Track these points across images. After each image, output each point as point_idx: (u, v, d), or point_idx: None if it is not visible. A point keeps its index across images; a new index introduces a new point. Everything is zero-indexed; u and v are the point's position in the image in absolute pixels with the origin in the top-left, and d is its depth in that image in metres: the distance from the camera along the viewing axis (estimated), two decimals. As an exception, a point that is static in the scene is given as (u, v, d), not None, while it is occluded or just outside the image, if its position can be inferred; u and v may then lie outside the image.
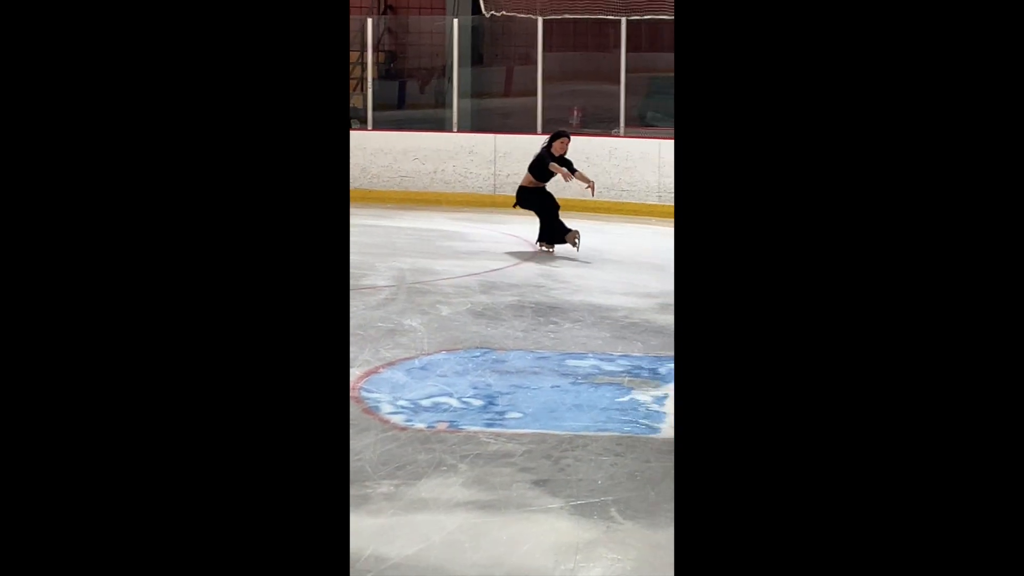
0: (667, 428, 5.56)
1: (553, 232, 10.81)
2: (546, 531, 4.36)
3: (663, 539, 4.19)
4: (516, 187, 14.31)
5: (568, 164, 10.80)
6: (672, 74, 15.28)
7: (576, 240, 10.51)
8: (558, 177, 11.06)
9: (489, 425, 5.63)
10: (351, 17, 14.73)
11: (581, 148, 13.78)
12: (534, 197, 10.92)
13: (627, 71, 14.16)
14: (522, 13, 14.45)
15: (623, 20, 14.11)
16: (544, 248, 10.88)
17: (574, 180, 10.84)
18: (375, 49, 15.01)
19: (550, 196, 10.92)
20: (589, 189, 10.90)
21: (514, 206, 11.14)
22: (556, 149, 10.68)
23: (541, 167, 10.76)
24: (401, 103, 15.65)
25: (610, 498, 4.64)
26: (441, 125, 14.98)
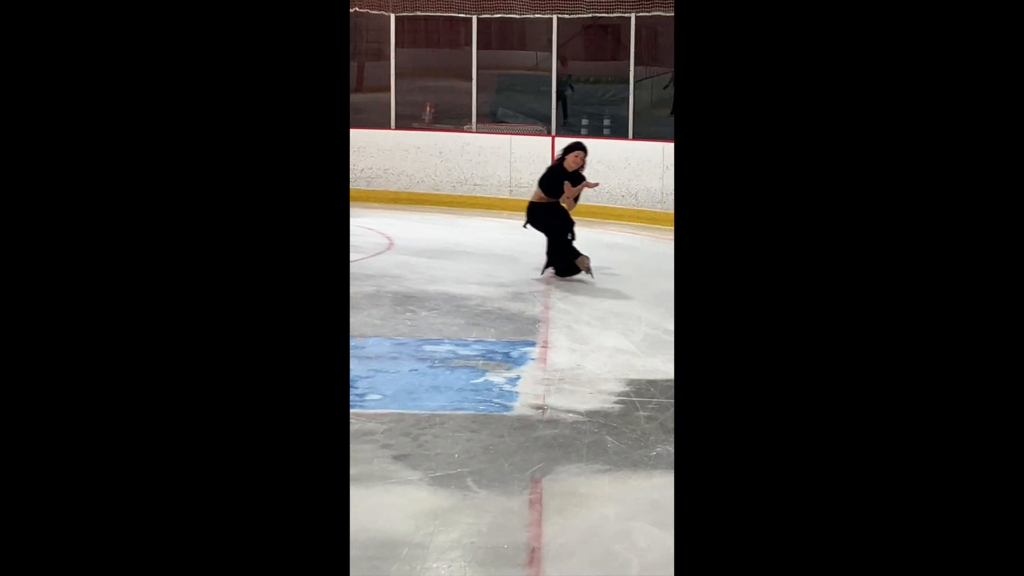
0: (518, 406, 5.76)
1: (561, 258, 9.29)
2: (407, 501, 4.50)
3: (516, 505, 4.47)
4: (370, 180, 14.49)
5: (580, 180, 9.31)
6: (522, 71, 15.66)
7: (588, 265, 9.11)
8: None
9: (352, 406, 5.61)
10: None
11: (434, 143, 14.05)
12: (543, 214, 9.32)
13: (478, 68, 14.29)
14: (375, 10, 14.56)
15: (474, 18, 14.29)
16: (553, 275, 9.35)
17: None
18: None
19: (562, 213, 9.34)
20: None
21: (524, 225, 9.48)
22: (569, 164, 9.21)
23: (551, 183, 9.24)
24: None
25: (466, 470, 4.80)
26: None
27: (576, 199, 9.31)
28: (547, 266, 9.35)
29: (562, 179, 9.12)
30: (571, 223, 9.34)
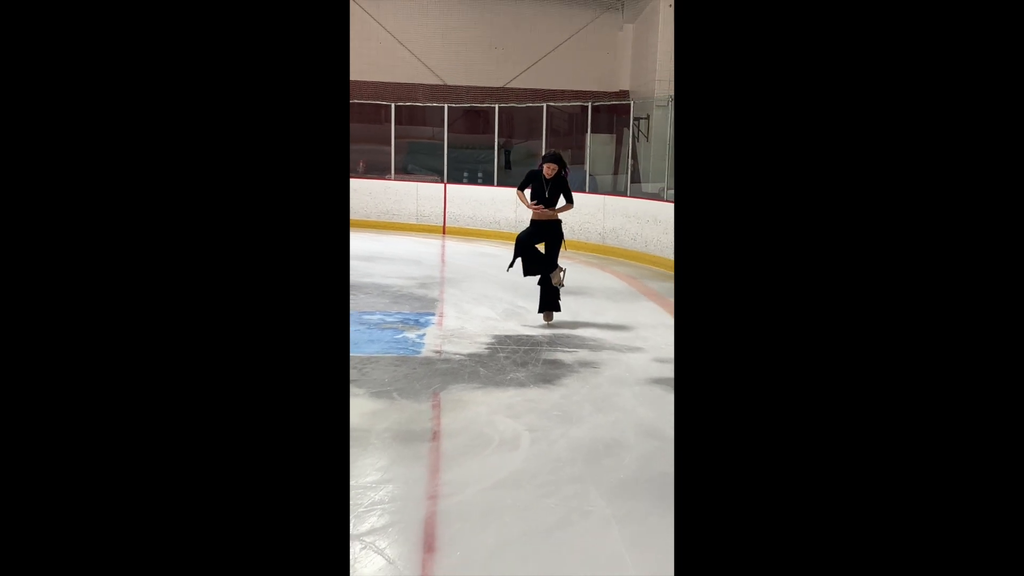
0: (424, 351, 5.72)
1: (542, 265, 6.77)
2: (355, 406, 4.45)
3: (424, 408, 4.50)
4: None
5: (558, 185, 6.69)
6: (423, 140, 15.80)
7: (560, 276, 6.75)
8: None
9: None
10: None
11: (366, 186, 14.12)
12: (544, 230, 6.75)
13: (395, 137, 14.38)
14: (326, 98, 14.63)
15: (392, 105, 14.51)
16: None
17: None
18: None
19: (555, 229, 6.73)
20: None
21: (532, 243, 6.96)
22: (545, 172, 6.65)
23: (526, 182, 6.82)
24: None
25: (392, 388, 4.86)
26: None
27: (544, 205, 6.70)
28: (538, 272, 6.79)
29: (536, 181, 6.68)
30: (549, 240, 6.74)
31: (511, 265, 6.97)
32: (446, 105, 14.29)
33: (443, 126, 14.29)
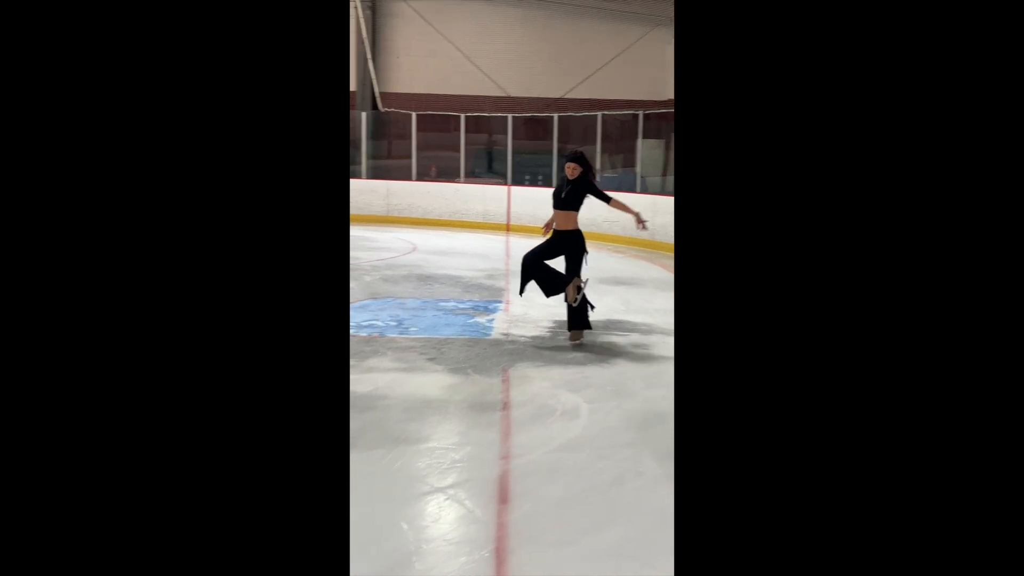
0: (494, 334, 5.77)
1: (556, 280, 5.52)
2: (435, 380, 4.60)
3: (495, 382, 4.59)
4: (400, 211, 14.47)
5: (582, 187, 5.42)
6: (488, 147, 15.95)
7: (578, 290, 5.42)
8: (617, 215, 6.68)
9: (400, 334, 5.77)
10: None
11: (438, 190, 14.28)
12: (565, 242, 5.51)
13: (464, 144, 14.48)
14: (403, 110, 14.85)
15: (461, 116, 14.68)
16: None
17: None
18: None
19: (556, 241, 5.51)
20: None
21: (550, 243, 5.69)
22: (568, 172, 5.45)
23: (560, 196, 5.48)
24: None
25: (467, 365, 4.95)
26: (353, 174, 14.86)
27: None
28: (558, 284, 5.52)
29: (564, 188, 5.44)
30: (572, 251, 5.48)
31: (521, 291, 5.62)
32: (509, 115, 14.41)
33: (507, 134, 14.36)
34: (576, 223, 5.52)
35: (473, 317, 6.47)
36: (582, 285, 5.47)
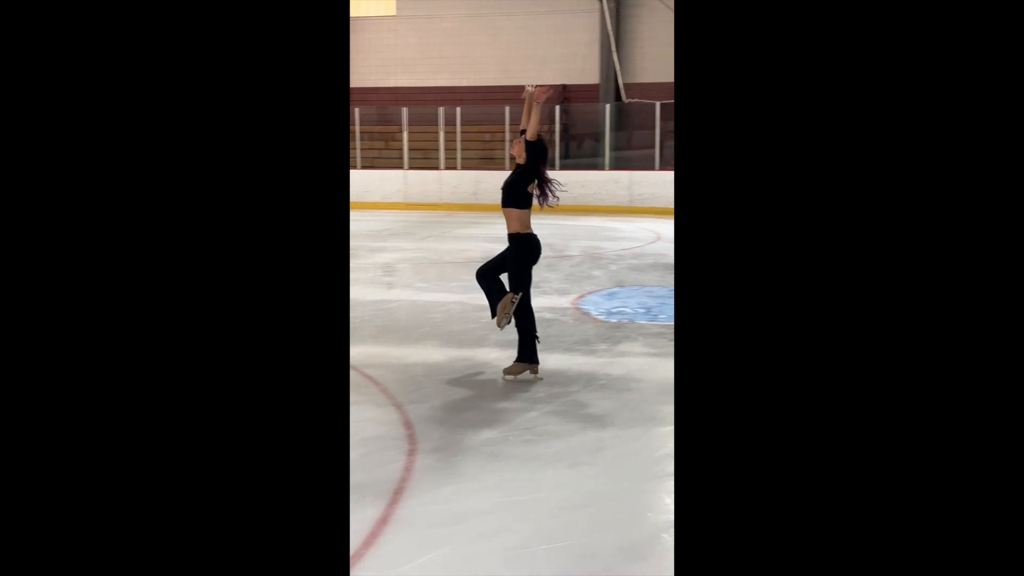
0: None
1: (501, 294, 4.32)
2: None
3: None
4: (645, 201, 14.30)
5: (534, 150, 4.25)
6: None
7: (508, 310, 4.24)
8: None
9: (650, 321, 5.88)
10: (558, 106, 15.25)
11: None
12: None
13: None
14: (646, 100, 14.87)
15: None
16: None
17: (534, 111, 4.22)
18: (561, 122, 15.70)
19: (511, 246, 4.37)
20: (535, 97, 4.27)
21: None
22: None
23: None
24: (567, 154, 16.07)
25: None
26: (595, 165, 15.07)
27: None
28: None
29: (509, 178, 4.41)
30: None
31: (494, 315, 4.34)
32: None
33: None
34: (521, 224, 4.27)
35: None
36: (514, 300, 4.22)
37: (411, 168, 15.90)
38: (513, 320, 4.29)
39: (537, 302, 6.51)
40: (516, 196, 4.28)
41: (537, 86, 4.35)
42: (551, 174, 4.48)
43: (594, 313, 6.24)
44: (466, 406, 4.03)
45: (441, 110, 15.76)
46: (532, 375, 4.37)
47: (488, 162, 15.95)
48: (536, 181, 4.31)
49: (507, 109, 15.19)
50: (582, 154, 16.27)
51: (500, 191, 4.37)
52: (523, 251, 4.31)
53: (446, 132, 15.77)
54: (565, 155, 16.00)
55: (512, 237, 4.33)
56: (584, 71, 16.61)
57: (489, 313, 4.40)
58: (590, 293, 7.01)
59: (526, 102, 4.31)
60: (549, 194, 4.36)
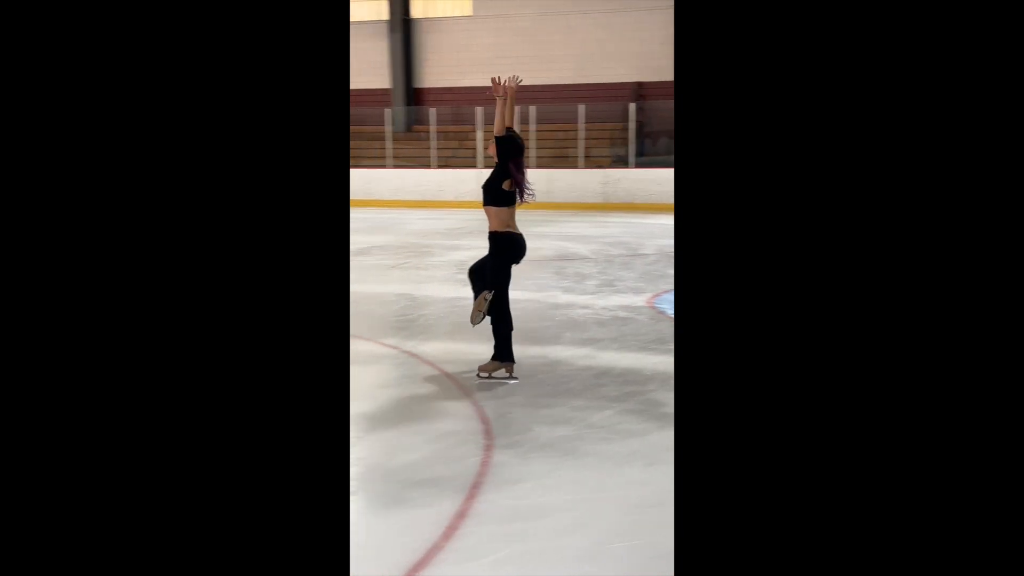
0: None
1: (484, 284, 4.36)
2: None
3: None
4: (668, 196, 14.28)
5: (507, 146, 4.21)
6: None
7: (482, 306, 4.28)
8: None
9: None
10: (629, 104, 15.22)
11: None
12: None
13: None
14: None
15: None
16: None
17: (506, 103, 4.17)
18: (636, 120, 15.60)
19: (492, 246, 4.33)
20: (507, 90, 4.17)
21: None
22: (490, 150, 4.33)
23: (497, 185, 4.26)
24: (642, 152, 16.00)
25: None
26: (670, 163, 14.73)
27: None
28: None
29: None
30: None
31: (480, 317, 4.34)
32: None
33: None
34: (500, 222, 4.24)
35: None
36: (487, 298, 4.22)
37: (485, 167, 16.06)
38: (488, 318, 4.32)
39: (611, 300, 6.62)
40: (493, 194, 4.26)
41: (506, 79, 4.23)
42: (529, 172, 4.43)
43: (669, 312, 6.23)
44: (541, 403, 4.07)
45: (516, 109, 15.87)
46: (507, 373, 4.39)
47: (561, 160, 16.00)
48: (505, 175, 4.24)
49: (581, 108, 15.20)
50: (657, 152, 16.17)
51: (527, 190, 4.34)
52: (502, 250, 4.30)
53: (520, 131, 15.88)
54: (640, 152, 15.94)
55: (491, 236, 4.32)
56: (659, 68, 16.52)
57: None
58: (666, 292, 7.00)
59: (497, 101, 4.25)
60: (519, 192, 4.27)
